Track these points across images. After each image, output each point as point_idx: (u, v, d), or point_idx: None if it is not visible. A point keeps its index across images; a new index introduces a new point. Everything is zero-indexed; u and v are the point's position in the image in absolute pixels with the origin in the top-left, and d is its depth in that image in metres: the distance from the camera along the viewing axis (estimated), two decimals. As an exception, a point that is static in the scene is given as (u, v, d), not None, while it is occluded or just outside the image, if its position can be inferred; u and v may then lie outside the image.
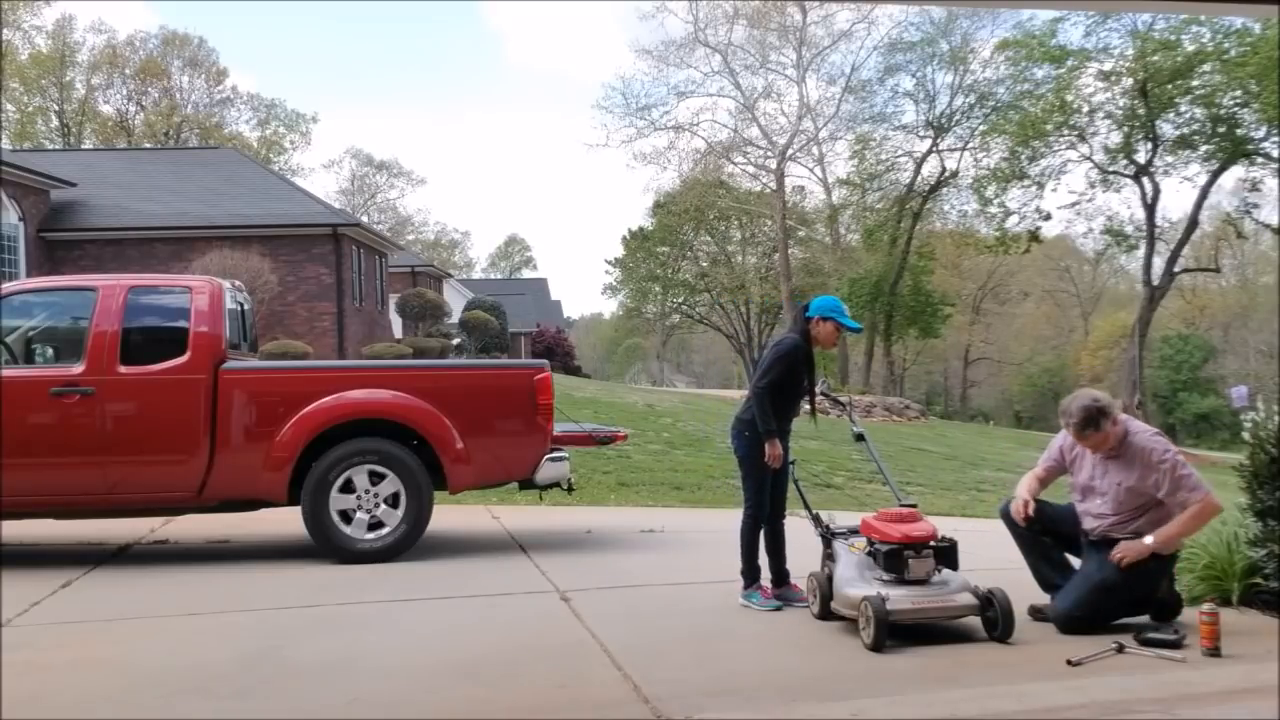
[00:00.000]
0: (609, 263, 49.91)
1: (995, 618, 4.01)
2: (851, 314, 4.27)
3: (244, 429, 5.69)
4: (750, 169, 35.76)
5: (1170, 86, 23.82)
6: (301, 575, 5.43)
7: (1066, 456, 4.40)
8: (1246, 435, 4.56)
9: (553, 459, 6.01)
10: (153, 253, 18.60)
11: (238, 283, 6.78)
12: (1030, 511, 4.32)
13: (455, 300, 30.15)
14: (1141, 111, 24.59)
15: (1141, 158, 25.62)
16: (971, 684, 3.57)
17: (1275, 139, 23.39)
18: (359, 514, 5.72)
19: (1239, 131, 23.76)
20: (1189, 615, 4.14)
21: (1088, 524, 4.30)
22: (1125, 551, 4.06)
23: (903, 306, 32.78)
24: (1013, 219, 27.86)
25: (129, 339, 5.67)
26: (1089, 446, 4.24)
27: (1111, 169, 26.35)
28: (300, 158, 67.50)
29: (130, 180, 21.22)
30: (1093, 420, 4.15)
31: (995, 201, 27.96)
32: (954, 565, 4.14)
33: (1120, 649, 3.85)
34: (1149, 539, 4.05)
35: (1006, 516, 4.46)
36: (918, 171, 32.42)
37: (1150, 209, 25.87)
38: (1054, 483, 4.55)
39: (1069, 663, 3.71)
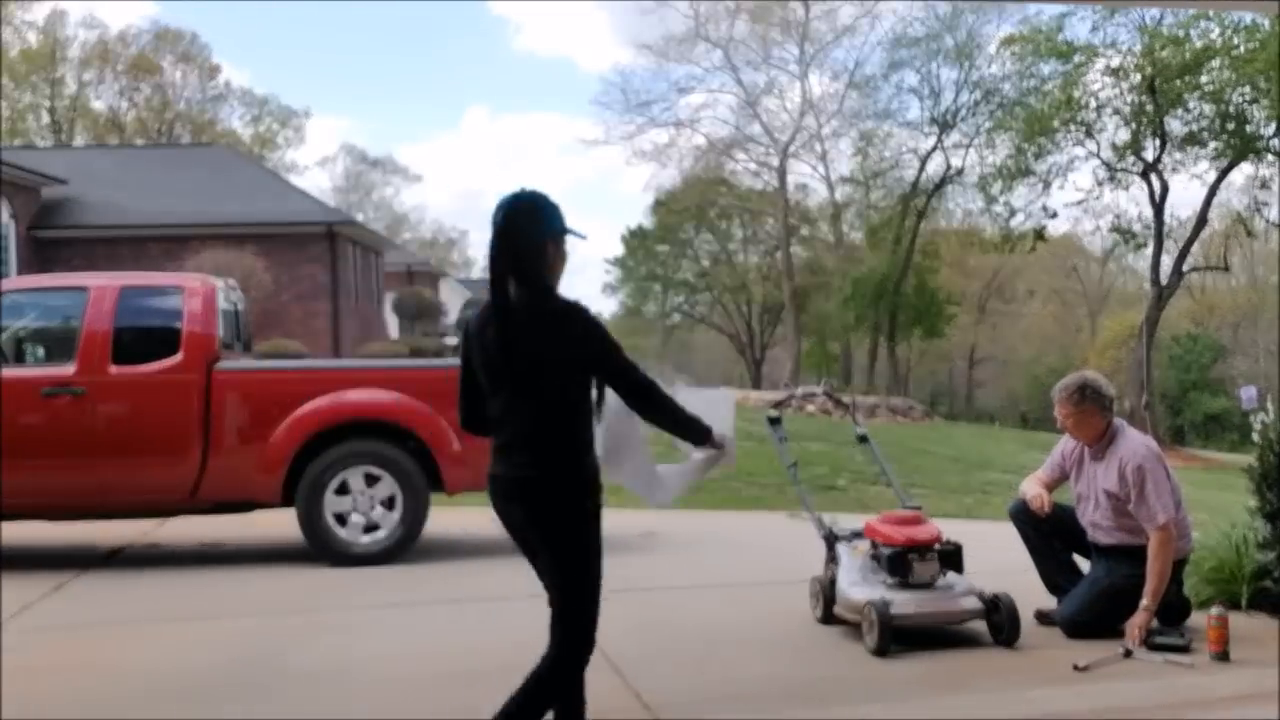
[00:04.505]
0: (609, 262, 49.95)
1: (1001, 622, 3.96)
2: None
3: (237, 430, 5.63)
4: (752, 166, 35.74)
5: (1179, 83, 23.68)
6: (296, 579, 5.39)
7: (1067, 462, 4.35)
8: (1256, 437, 4.50)
9: (551, 460, 5.95)
10: (145, 251, 18.45)
11: (231, 282, 6.73)
12: (1049, 506, 4.24)
13: (453, 300, 30.12)
14: (1149, 108, 24.47)
15: (1149, 155, 25.47)
16: (977, 689, 3.52)
17: (1285, 136, 23.28)
18: (354, 516, 5.67)
19: (1248, 128, 23.64)
20: (1197, 619, 4.07)
21: (1090, 534, 4.25)
22: (1137, 629, 3.92)
23: (907, 306, 32.68)
24: (1018, 217, 27.76)
25: (121, 339, 5.62)
26: (1070, 426, 4.19)
27: (1119, 166, 26.24)
28: (294, 154, 67.26)
29: (122, 178, 21.12)
30: (1078, 391, 4.13)
31: (1001, 200, 27.87)
32: (959, 569, 4.08)
33: (1128, 654, 3.79)
34: (1145, 602, 3.94)
35: (1016, 517, 4.40)
36: (922, 169, 32.35)
37: (1158, 207, 25.75)
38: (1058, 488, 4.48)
39: (1076, 667, 3.66)
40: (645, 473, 2.84)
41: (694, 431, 2.73)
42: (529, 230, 2.51)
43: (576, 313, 2.53)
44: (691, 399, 2.75)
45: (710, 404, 2.82)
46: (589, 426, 2.61)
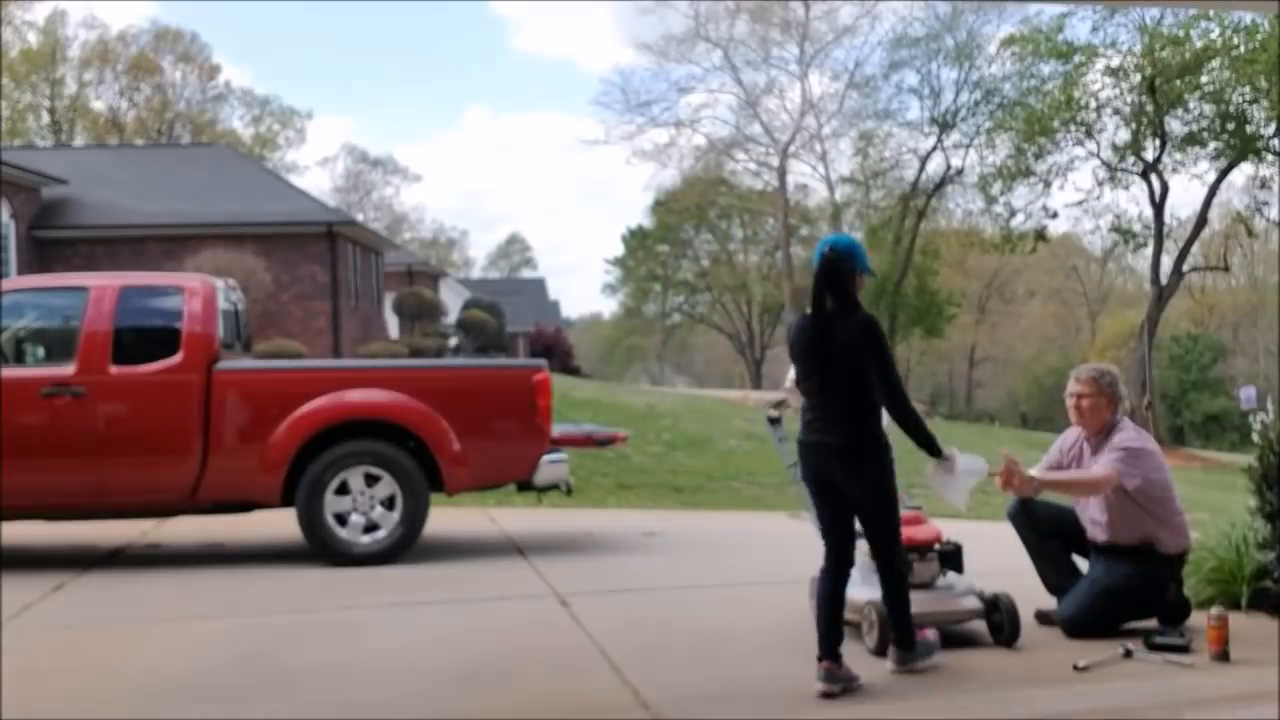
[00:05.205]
0: (609, 262, 49.89)
1: (1001, 622, 3.96)
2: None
3: (237, 430, 5.63)
4: (752, 166, 35.68)
5: (1179, 83, 23.67)
6: (296, 579, 5.38)
7: (1065, 457, 4.36)
8: (1256, 437, 4.50)
9: (551, 460, 5.95)
10: (145, 252, 18.37)
11: (231, 282, 6.72)
12: (1025, 480, 4.15)
13: (452, 300, 30.04)
14: (1149, 108, 24.45)
15: (1149, 155, 25.45)
16: (977, 689, 3.52)
17: (1285, 136, 23.21)
18: (354, 516, 5.65)
19: (1248, 128, 23.62)
20: (1197, 619, 4.07)
21: (1090, 532, 4.26)
22: (1014, 478, 4.01)
23: (907, 306, 32.63)
24: (1019, 217, 27.72)
25: (121, 339, 5.61)
26: (1084, 407, 4.21)
27: (1119, 166, 26.20)
28: (294, 154, 66.84)
29: (122, 178, 21.06)
30: (1105, 375, 4.22)
31: (1001, 200, 27.83)
32: (959, 569, 4.09)
33: (1128, 654, 3.80)
34: (1037, 472, 4.10)
35: (1014, 518, 4.41)
36: (922, 169, 32.31)
37: (1158, 207, 25.72)
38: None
39: (1076, 668, 3.66)
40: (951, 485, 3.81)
41: (930, 445, 3.63)
42: (846, 264, 3.53)
43: (874, 324, 3.54)
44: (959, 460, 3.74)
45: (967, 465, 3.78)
46: (879, 406, 3.51)
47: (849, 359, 3.47)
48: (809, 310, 3.60)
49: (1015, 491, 4.12)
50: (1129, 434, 4.16)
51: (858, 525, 3.68)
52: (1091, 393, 4.20)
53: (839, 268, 3.53)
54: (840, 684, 3.46)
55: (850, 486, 3.54)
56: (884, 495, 3.57)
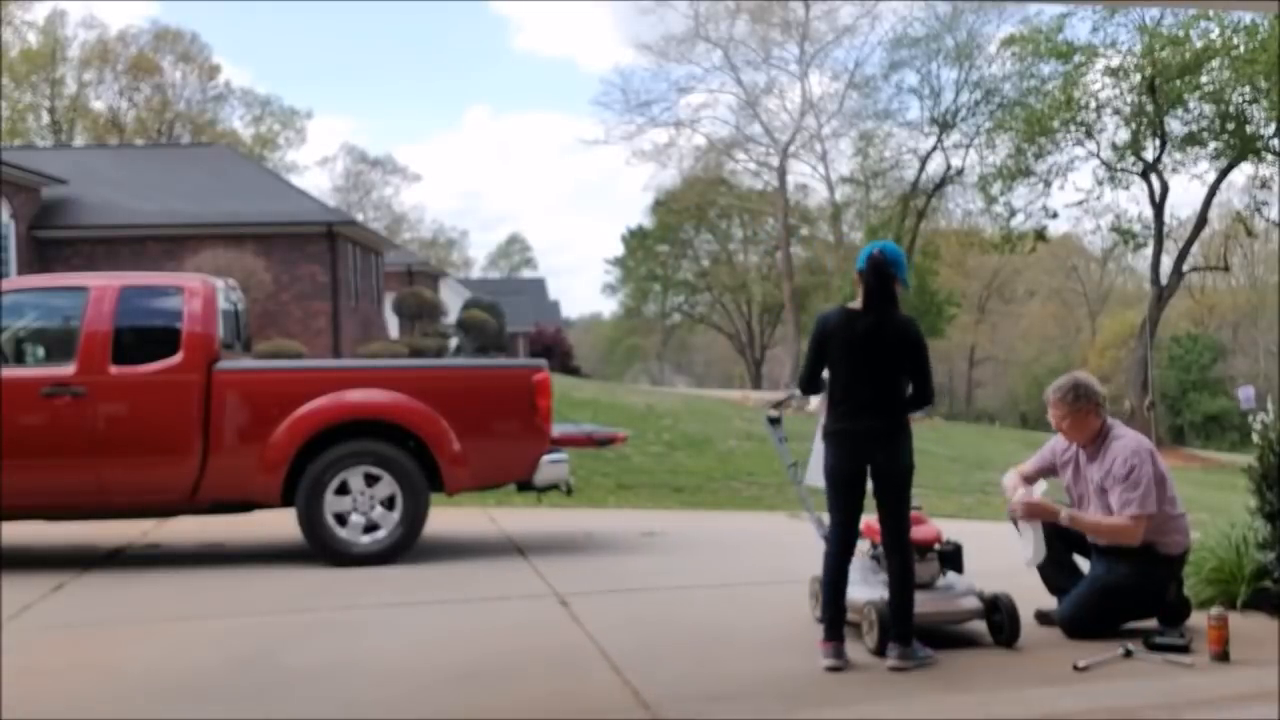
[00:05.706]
0: (609, 262, 49.92)
1: (1001, 622, 3.96)
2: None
3: (237, 430, 5.63)
4: (752, 166, 35.72)
5: (1179, 83, 23.68)
6: (296, 579, 5.38)
7: (1058, 460, 4.35)
8: (1256, 437, 4.49)
9: (551, 460, 5.95)
10: (145, 252, 18.37)
11: (231, 282, 6.72)
12: (1031, 498, 4.22)
13: (452, 300, 30.04)
14: (1149, 108, 24.46)
15: (1149, 155, 25.45)
16: (976, 689, 3.52)
17: (1285, 136, 23.21)
18: (354, 516, 5.65)
19: (1248, 128, 23.62)
20: (1197, 619, 4.07)
21: (1090, 533, 4.24)
22: (1026, 506, 4.05)
23: (907, 306, 32.17)
24: (1019, 217, 27.71)
25: (121, 339, 5.62)
26: (1066, 427, 4.21)
27: (1119, 166, 26.21)
28: (294, 154, 66.52)
29: (122, 178, 21.05)
30: (1071, 392, 4.16)
31: (1001, 200, 27.82)
32: (959, 569, 4.09)
33: (1128, 654, 3.80)
34: (1065, 513, 4.12)
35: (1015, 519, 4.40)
36: (922, 169, 32.30)
37: (1158, 207, 25.72)
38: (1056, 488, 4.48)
39: (1076, 667, 3.66)
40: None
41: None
42: (890, 270, 3.85)
43: (913, 324, 3.95)
44: None
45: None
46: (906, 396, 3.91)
47: (893, 352, 3.81)
48: (854, 305, 3.87)
49: (1040, 511, 4.18)
50: (1124, 447, 4.09)
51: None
52: (1066, 413, 4.17)
53: (886, 270, 3.83)
54: (845, 660, 3.69)
55: (887, 467, 3.78)
56: (910, 476, 3.84)
